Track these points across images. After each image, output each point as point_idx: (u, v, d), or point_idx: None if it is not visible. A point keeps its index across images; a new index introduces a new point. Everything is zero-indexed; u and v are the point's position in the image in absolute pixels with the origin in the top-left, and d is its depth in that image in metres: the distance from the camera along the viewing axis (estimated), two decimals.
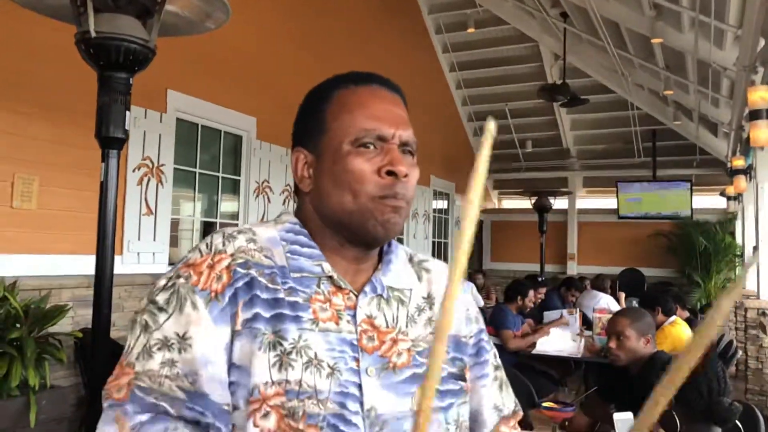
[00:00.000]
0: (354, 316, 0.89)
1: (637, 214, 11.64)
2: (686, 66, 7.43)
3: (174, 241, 5.59)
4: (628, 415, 2.11)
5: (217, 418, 0.82)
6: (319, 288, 0.89)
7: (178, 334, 0.82)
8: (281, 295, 0.86)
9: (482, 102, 11.88)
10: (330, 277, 0.90)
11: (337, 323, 0.87)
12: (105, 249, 2.69)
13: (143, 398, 0.80)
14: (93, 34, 2.51)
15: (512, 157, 12.64)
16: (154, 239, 5.02)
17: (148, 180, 4.98)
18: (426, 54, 10.77)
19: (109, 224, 2.70)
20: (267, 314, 0.84)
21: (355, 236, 0.92)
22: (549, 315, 5.69)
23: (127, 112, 2.69)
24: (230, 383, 0.83)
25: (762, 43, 4.56)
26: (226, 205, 6.15)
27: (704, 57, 6.31)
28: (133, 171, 4.85)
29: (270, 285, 0.86)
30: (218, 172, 5.91)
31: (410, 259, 1.03)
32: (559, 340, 4.95)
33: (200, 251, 0.88)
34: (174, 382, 0.81)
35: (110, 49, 2.55)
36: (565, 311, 5.67)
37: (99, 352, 2.60)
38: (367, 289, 0.92)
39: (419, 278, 1.01)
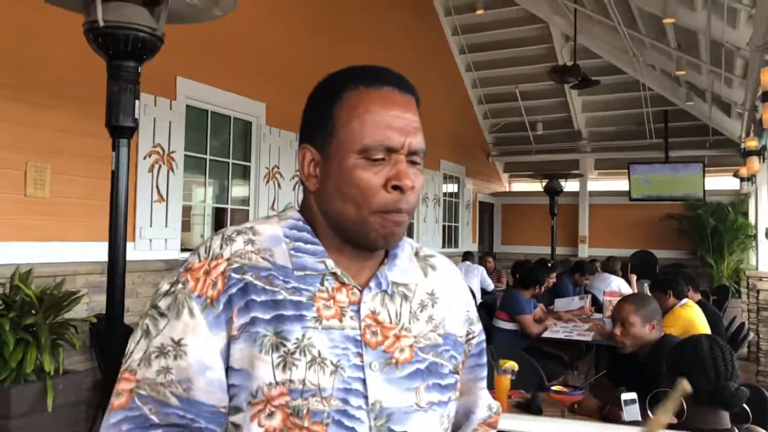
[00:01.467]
0: (358, 312, 0.89)
1: (648, 195, 11.56)
2: (699, 45, 7.32)
3: (186, 227, 5.63)
4: (633, 395, 2.12)
5: (209, 421, 0.84)
6: (322, 285, 0.89)
7: (173, 340, 0.84)
8: (281, 296, 0.87)
9: (492, 84, 11.81)
10: (334, 273, 0.90)
11: (340, 320, 0.88)
12: (117, 236, 2.72)
13: (140, 407, 0.83)
14: (101, 23, 2.52)
15: (523, 140, 12.57)
16: (166, 225, 5.06)
17: (159, 167, 5.01)
18: (436, 36, 10.70)
19: (121, 212, 2.73)
20: (266, 316, 0.85)
21: (355, 243, 0.92)
22: (559, 302, 5.68)
23: (137, 101, 2.71)
24: (231, 386, 0.85)
25: None
26: (237, 191, 6.18)
27: (717, 36, 6.23)
28: (144, 158, 4.88)
29: (267, 287, 0.87)
30: (228, 158, 5.93)
31: (416, 254, 1.03)
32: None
33: (199, 255, 0.89)
34: (168, 389, 0.83)
35: (118, 38, 2.56)
36: (576, 298, 5.66)
37: (113, 337, 2.64)
38: (372, 284, 0.92)
39: (425, 274, 1.01)
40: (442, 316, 0.98)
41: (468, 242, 11.84)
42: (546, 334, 4.90)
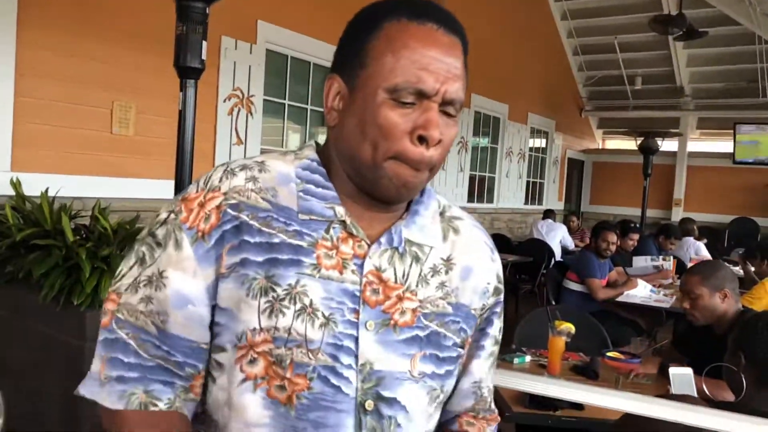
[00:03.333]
0: (361, 266, 0.84)
1: (756, 159, 10.74)
2: None
3: None
4: (687, 371, 1.98)
5: (188, 356, 0.82)
6: (327, 233, 0.83)
7: (160, 271, 0.82)
8: (278, 239, 0.82)
9: (589, 34, 11.17)
10: (342, 222, 0.84)
11: (340, 272, 0.82)
12: (183, 175, 2.80)
13: (115, 330, 0.83)
14: None
15: (620, 95, 11.90)
16: None
17: (239, 110, 5.10)
18: None
19: (187, 151, 2.80)
20: (259, 258, 0.81)
21: (367, 190, 0.86)
22: (637, 261, 5.43)
23: (204, 42, 2.73)
24: (216, 324, 0.82)
25: None
26: (318, 138, 6.19)
27: None
28: (224, 101, 4.98)
29: (264, 229, 0.82)
30: (307, 104, 5.95)
31: (442, 213, 0.95)
32: (643, 290, 4.74)
33: (197, 185, 0.85)
34: (148, 318, 0.82)
35: None
36: (653, 259, 5.38)
37: None
38: (383, 239, 0.86)
39: (444, 237, 0.93)
40: (456, 285, 0.91)
41: (554, 200, 11.50)
42: (621, 299, 4.70)
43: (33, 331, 3.01)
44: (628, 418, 1.56)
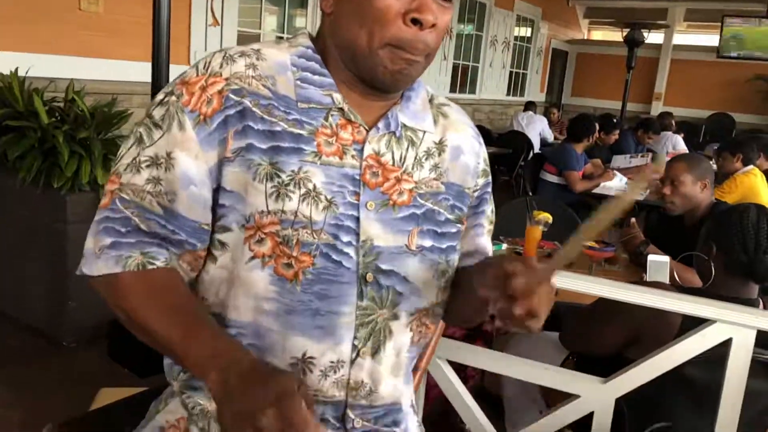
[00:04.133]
0: (361, 151, 0.88)
1: (740, 53, 10.63)
2: None
3: None
4: (664, 259, 2.06)
5: (190, 235, 0.85)
6: (326, 121, 0.87)
7: (167, 153, 0.84)
8: (279, 127, 0.84)
9: None
10: (340, 109, 0.87)
11: (341, 158, 0.86)
12: (160, 56, 2.70)
13: (121, 209, 0.84)
14: None
15: None
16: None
17: None
18: None
19: (164, 32, 2.68)
20: (263, 146, 0.83)
21: (363, 79, 0.88)
22: (617, 159, 5.49)
23: None
24: (221, 206, 0.85)
25: None
26: (296, 20, 5.98)
27: None
28: None
29: (266, 116, 0.84)
30: None
31: (430, 100, 1.00)
32: (618, 182, 4.83)
33: (197, 69, 0.86)
34: (155, 199, 0.84)
35: None
36: (637, 158, 5.43)
37: None
38: (381, 124, 0.90)
39: (435, 122, 0.98)
40: (447, 166, 0.97)
41: (536, 91, 11.39)
42: (597, 190, 4.79)
43: (14, 214, 3.00)
44: (600, 303, 1.65)
